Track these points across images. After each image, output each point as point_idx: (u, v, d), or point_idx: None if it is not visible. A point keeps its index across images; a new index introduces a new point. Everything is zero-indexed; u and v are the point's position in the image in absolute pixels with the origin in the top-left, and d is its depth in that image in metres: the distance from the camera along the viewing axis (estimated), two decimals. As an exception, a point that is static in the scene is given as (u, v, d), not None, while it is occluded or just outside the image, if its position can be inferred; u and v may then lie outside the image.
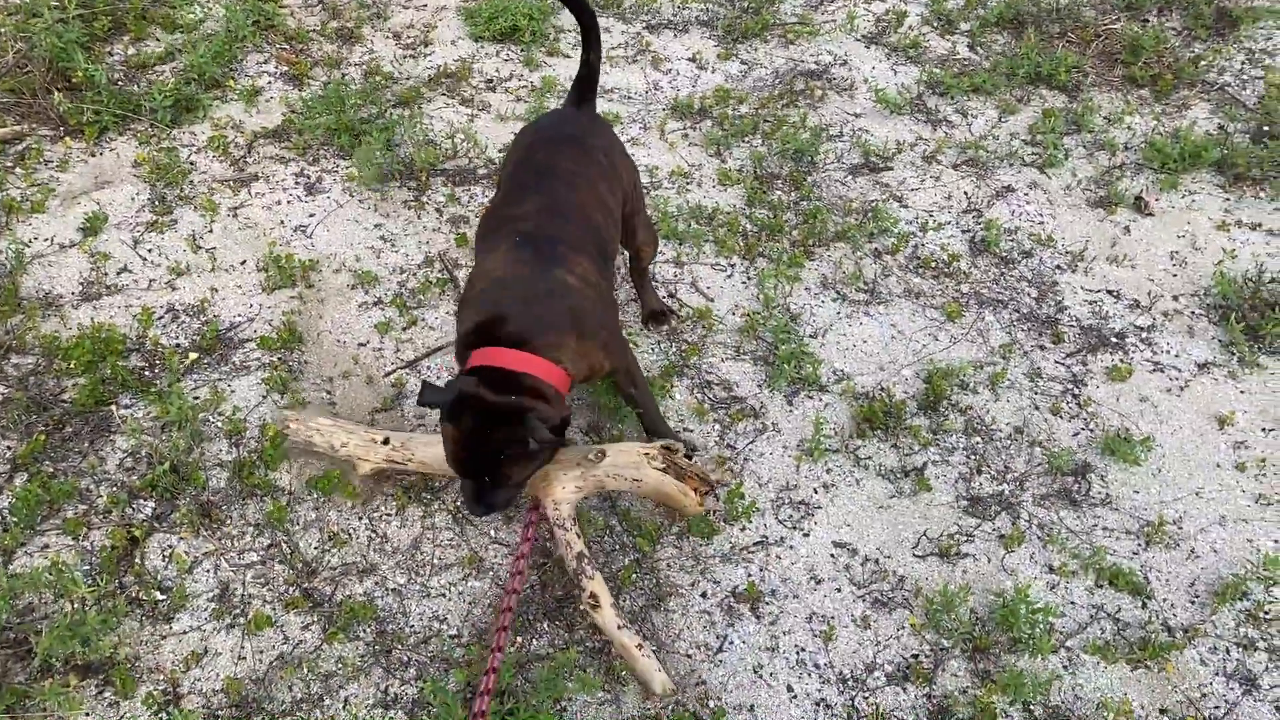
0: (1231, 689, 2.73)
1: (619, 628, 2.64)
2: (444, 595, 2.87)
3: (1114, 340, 3.67)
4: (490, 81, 4.82)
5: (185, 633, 2.73)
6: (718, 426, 3.33)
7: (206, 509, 2.99)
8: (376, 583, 2.87)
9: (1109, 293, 3.85)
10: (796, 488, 3.18)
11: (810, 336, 3.64)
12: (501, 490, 2.51)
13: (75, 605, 2.66)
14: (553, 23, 5.13)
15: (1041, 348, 3.65)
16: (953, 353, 3.61)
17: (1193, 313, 3.77)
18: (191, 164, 4.21)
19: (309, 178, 4.20)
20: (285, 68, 4.78)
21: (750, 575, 2.94)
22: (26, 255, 3.70)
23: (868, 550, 3.03)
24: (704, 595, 2.88)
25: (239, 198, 4.07)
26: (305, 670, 2.65)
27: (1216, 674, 2.76)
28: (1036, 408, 3.44)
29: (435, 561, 2.94)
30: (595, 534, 2.99)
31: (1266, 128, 4.52)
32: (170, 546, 2.91)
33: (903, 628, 2.84)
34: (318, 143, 4.34)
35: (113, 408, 3.24)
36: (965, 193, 4.27)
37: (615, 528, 3.03)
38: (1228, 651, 2.81)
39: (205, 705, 2.58)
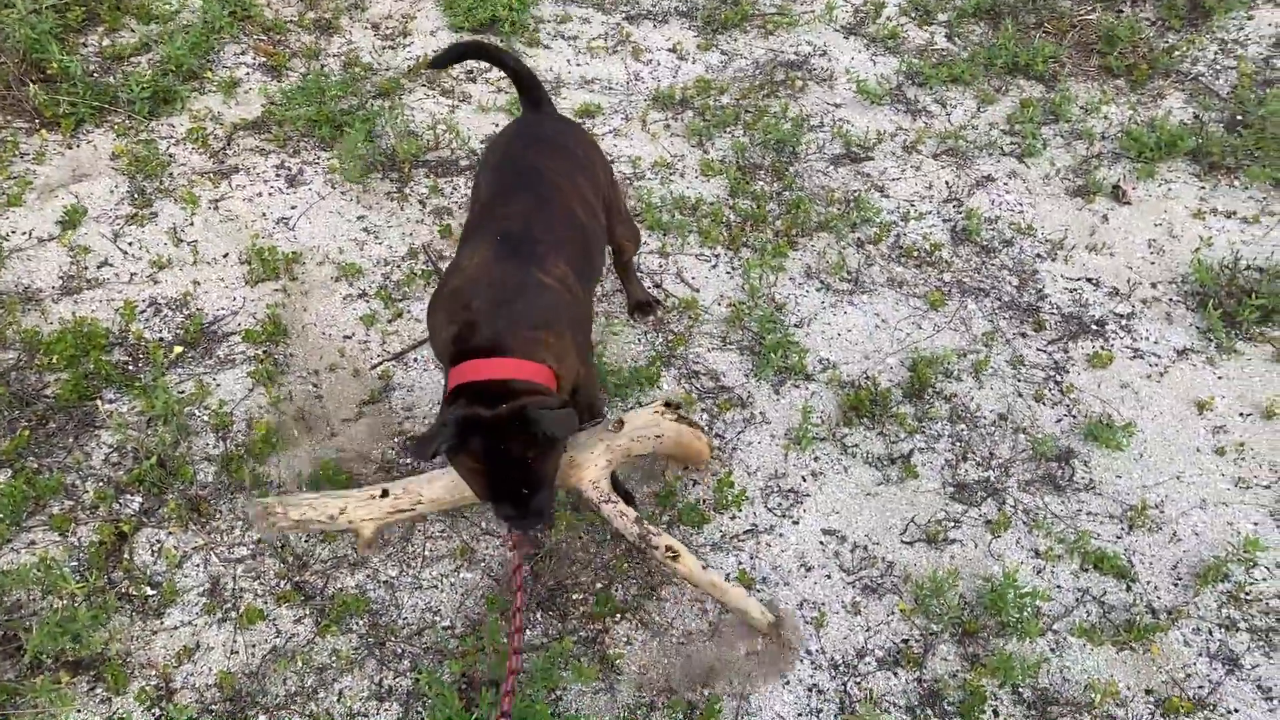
0: (1215, 669, 2.78)
1: (704, 568, 2.65)
2: (436, 587, 2.87)
3: (1094, 327, 3.72)
4: (470, 72, 4.80)
5: (176, 628, 2.72)
6: (706, 416, 3.35)
7: (195, 503, 2.98)
8: (368, 575, 2.87)
9: (1089, 280, 3.90)
10: (785, 476, 3.20)
11: (795, 326, 3.66)
12: (541, 494, 2.43)
13: (65, 601, 2.65)
14: (533, 13, 5.12)
15: (1023, 335, 3.69)
16: (936, 341, 3.64)
17: (1171, 300, 3.82)
18: (170, 156, 4.17)
19: (290, 169, 4.18)
20: (263, 59, 4.74)
21: (741, 563, 2.96)
22: (4, 249, 3.66)
23: (856, 537, 3.05)
24: (682, 584, 2.90)
25: (220, 190, 4.04)
26: (299, 663, 2.65)
27: (1200, 654, 2.81)
28: (1020, 394, 3.48)
29: (426, 554, 2.94)
30: (586, 526, 3.00)
31: (1240, 117, 4.58)
32: (159, 541, 2.90)
33: (892, 613, 2.87)
34: (298, 134, 4.32)
35: (97, 402, 3.21)
36: (946, 182, 4.31)
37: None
38: (1210, 632, 2.86)
39: (199, 700, 2.57)
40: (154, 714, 2.53)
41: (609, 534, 3.00)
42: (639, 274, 3.72)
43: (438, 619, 2.79)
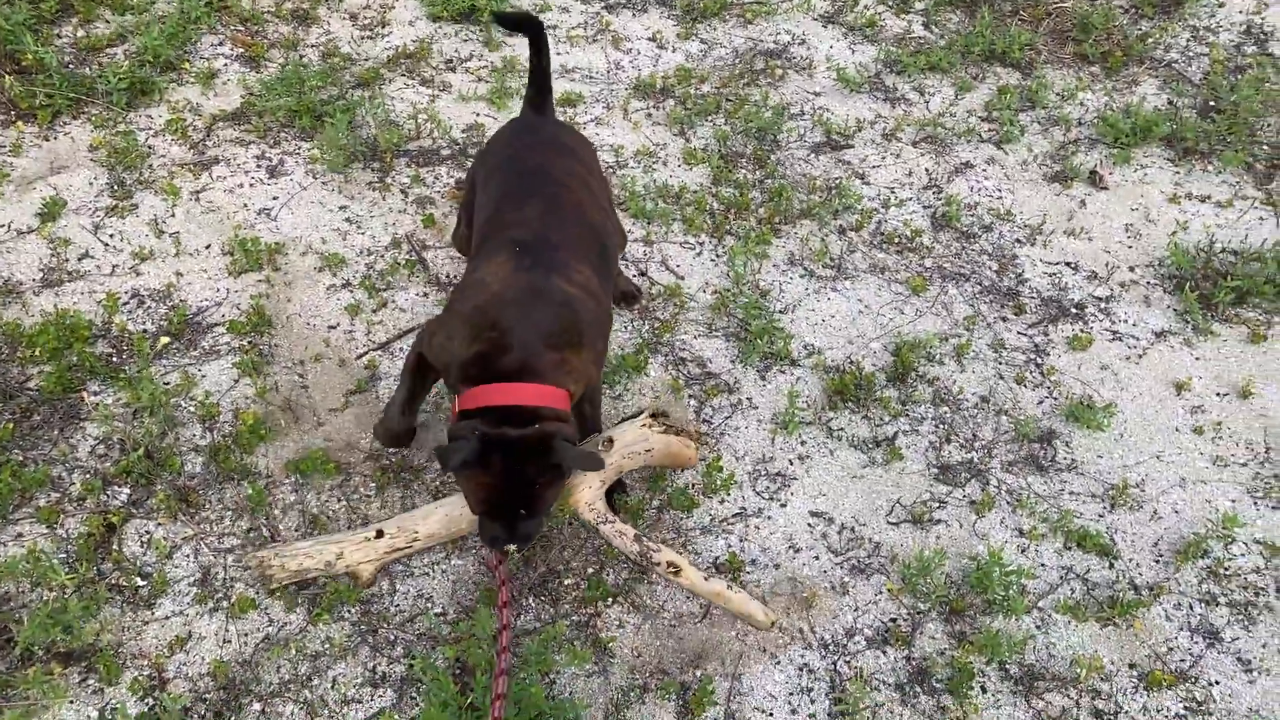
0: (1196, 643, 2.83)
1: (706, 579, 2.68)
2: (427, 574, 2.88)
3: (1074, 311, 3.77)
4: (450, 62, 4.79)
5: (168, 618, 2.71)
6: (694, 402, 3.37)
7: (184, 494, 2.96)
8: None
9: (1067, 265, 3.95)
10: (772, 460, 3.23)
11: (780, 312, 3.69)
12: (536, 519, 2.49)
13: (55, 593, 2.63)
14: (512, 2, 5.11)
15: (1004, 319, 3.73)
16: (918, 325, 3.68)
17: (1148, 283, 3.88)
18: (150, 148, 4.14)
19: (271, 160, 4.15)
20: (241, 50, 4.71)
21: (731, 546, 2.98)
22: (-17, 242, 3.63)
23: (844, 519, 3.09)
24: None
25: (200, 181, 4.02)
26: (293, 651, 2.65)
27: (1181, 629, 2.86)
28: (1001, 377, 3.52)
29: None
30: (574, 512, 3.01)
31: (1212, 103, 4.65)
32: (148, 532, 2.88)
33: (880, 593, 2.91)
34: (278, 125, 4.29)
35: (82, 394, 3.19)
36: (925, 169, 4.35)
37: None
38: (1191, 607, 2.91)
39: (192, 689, 2.57)
40: (147, 704, 2.52)
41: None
42: (623, 261, 3.73)
43: (430, 605, 2.79)
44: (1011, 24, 5.08)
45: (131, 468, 2.98)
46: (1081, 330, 3.69)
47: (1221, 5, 5.26)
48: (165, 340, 3.38)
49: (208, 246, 3.76)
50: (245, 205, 3.95)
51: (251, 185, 4.04)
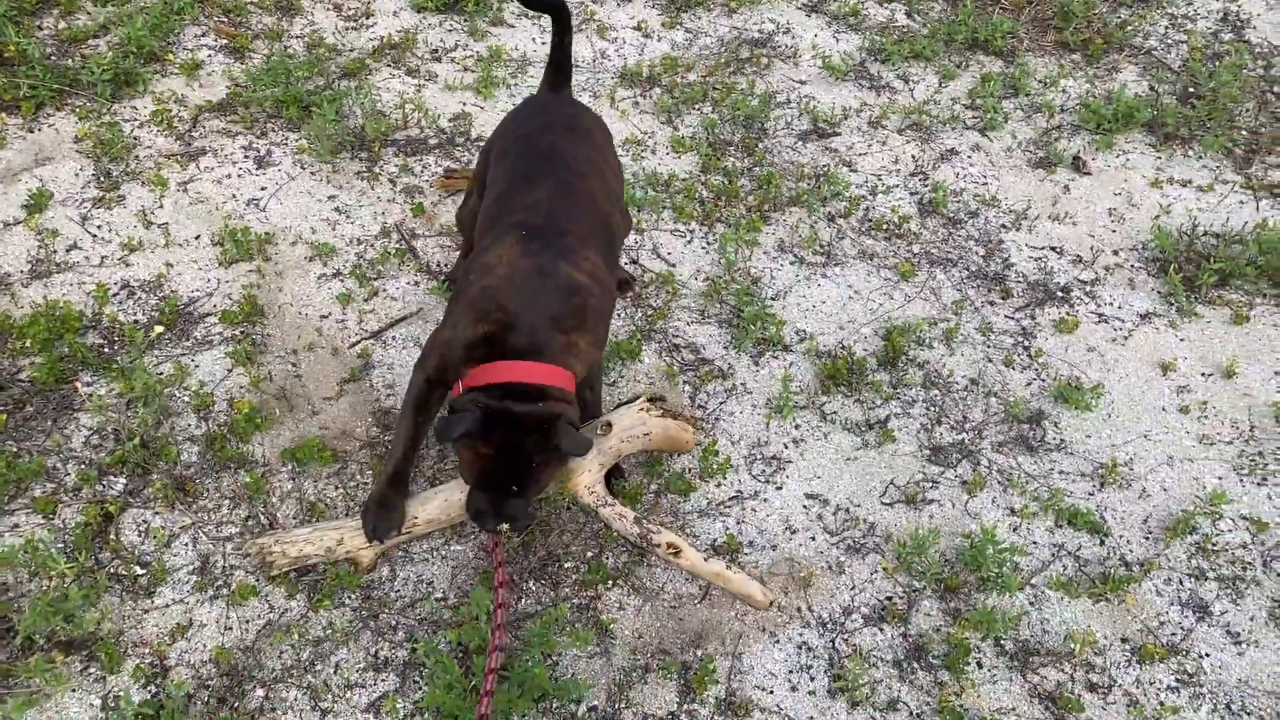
0: (1186, 617, 2.88)
1: (706, 560, 2.73)
2: (427, 560, 2.88)
3: (1060, 294, 3.81)
4: (435, 52, 4.78)
5: (168, 606, 2.71)
6: (689, 388, 3.39)
7: (180, 483, 2.96)
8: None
9: (1053, 249, 4.00)
10: (767, 444, 3.26)
11: (771, 298, 3.71)
12: (526, 500, 2.49)
13: (55, 582, 2.62)
14: (497, -7, 5.12)
15: (991, 303, 3.78)
16: (908, 310, 3.72)
17: (1133, 266, 3.93)
18: (135, 139, 4.11)
19: (258, 151, 4.14)
20: (225, 41, 4.69)
21: (728, 528, 3.01)
22: (-31, 234, 3.60)
23: (838, 500, 3.12)
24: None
25: (188, 172, 4.00)
26: (295, 637, 2.65)
27: (1172, 603, 2.91)
28: (990, 360, 3.56)
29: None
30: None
31: (1192, 89, 4.72)
32: (145, 521, 2.88)
33: (876, 572, 2.94)
34: (265, 115, 4.28)
35: (76, 385, 3.17)
36: (912, 156, 4.38)
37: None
38: (1181, 582, 2.96)
39: (195, 676, 2.56)
40: (150, 691, 2.52)
41: (597, 503, 3.03)
42: (615, 249, 3.75)
43: (430, 590, 2.80)
44: (993, 12, 5.12)
45: (127, 457, 2.98)
46: (1068, 313, 3.74)
47: (1199, -7, 5.33)
48: (158, 330, 3.36)
49: (197, 237, 3.75)
50: (234, 196, 3.94)
51: (239, 176, 4.02)
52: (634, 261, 3.81)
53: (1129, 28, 5.06)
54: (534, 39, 4.88)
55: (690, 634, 2.76)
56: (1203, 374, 3.55)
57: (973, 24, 4.95)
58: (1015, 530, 3.07)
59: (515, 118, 3.11)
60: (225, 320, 3.45)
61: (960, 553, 2.97)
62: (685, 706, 2.61)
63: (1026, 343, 3.63)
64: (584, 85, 4.61)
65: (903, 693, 2.68)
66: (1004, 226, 4.08)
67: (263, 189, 3.98)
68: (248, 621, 2.69)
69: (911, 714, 2.64)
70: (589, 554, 2.91)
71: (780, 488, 3.14)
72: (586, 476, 2.75)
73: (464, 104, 4.46)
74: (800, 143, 4.40)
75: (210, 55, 4.59)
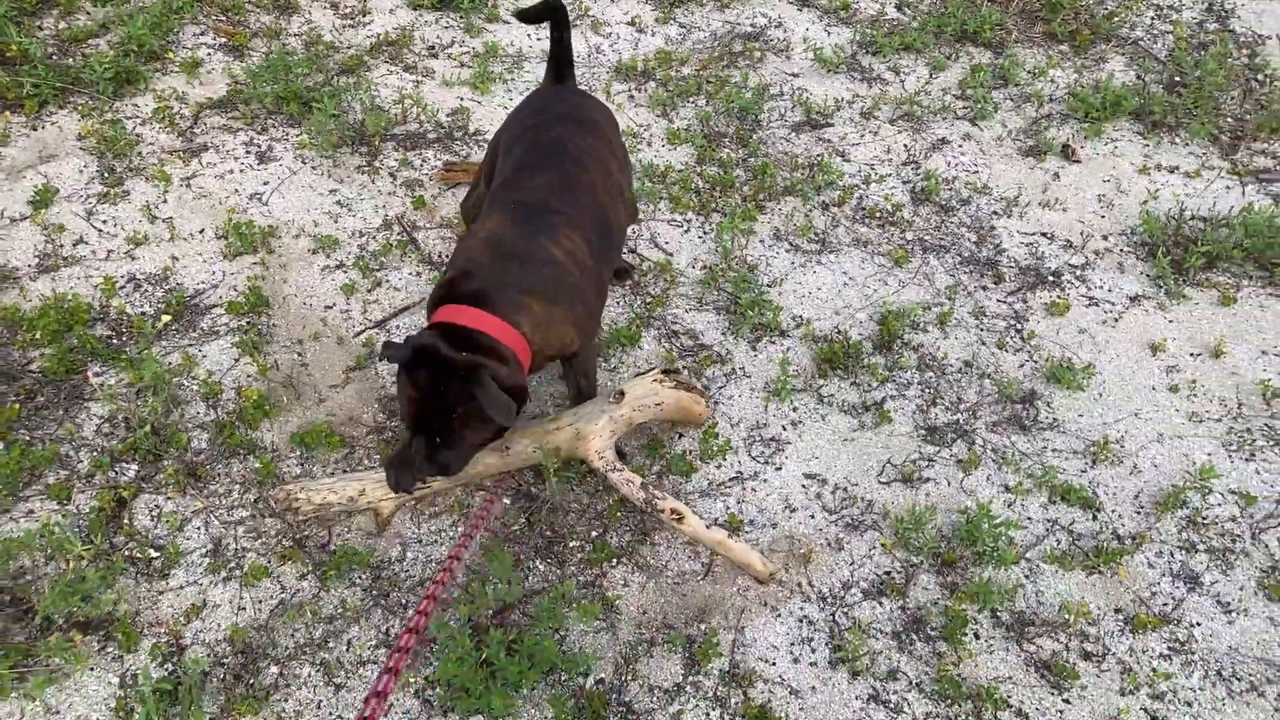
0: (1177, 587, 2.95)
1: (708, 528, 2.81)
2: (435, 541, 2.94)
3: (1051, 278, 3.89)
4: (432, 48, 4.84)
5: (182, 587, 2.76)
6: (687, 373, 3.45)
7: (191, 468, 3.01)
8: (369, 532, 2.93)
9: (1043, 235, 4.07)
10: (766, 426, 3.32)
11: (768, 285, 3.78)
12: (452, 451, 2.56)
13: (73, 564, 2.68)
14: (493, -10, 5.18)
15: (984, 288, 3.85)
16: (902, 296, 3.79)
17: (1122, 250, 4.01)
18: (138, 136, 4.17)
19: (259, 146, 4.19)
20: (224, 39, 4.74)
21: (729, 507, 3.07)
22: (-23, 229, 3.65)
23: (837, 479, 3.18)
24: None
25: (191, 168, 4.05)
26: (308, 615, 2.71)
27: (1163, 575, 2.98)
28: (983, 343, 3.63)
29: (425, 510, 3.01)
30: (577, 477, 3.08)
31: (1178, 78, 4.79)
32: (158, 506, 2.93)
33: (874, 548, 3.01)
34: (265, 112, 4.33)
35: (86, 375, 3.23)
36: (904, 145, 4.46)
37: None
38: (1172, 554, 3.03)
39: (210, 654, 2.62)
40: (167, 669, 2.57)
41: (601, 486, 3.09)
42: (614, 238, 3.81)
43: (439, 570, 2.86)
44: (982, 4, 5.20)
45: (138, 444, 3.03)
46: (1059, 297, 3.81)
47: (1184, -15, 5.41)
48: (166, 319, 3.42)
49: (201, 231, 3.80)
50: (236, 190, 3.99)
51: (242, 171, 4.08)
52: (632, 250, 3.87)
53: (1116, 19, 5.14)
54: (529, 34, 4.94)
55: (694, 609, 2.82)
56: (1191, 354, 3.62)
57: (962, 16, 5.02)
58: (1010, 506, 3.14)
59: (522, 111, 3.19)
60: (231, 311, 3.50)
61: (956, 528, 3.03)
62: (690, 678, 2.67)
63: (1019, 326, 3.70)
64: (580, 80, 4.67)
65: (902, 663, 2.74)
66: (995, 213, 4.15)
67: (265, 183, 4.03)
68: (260, 602, 2.75)
69: (911, 683, 2.70)
70: (594, 534, 2.97)
71: (779, 468, 3.20)
72: (597, 442, 2.84)
73: (461, 99, 4.52)
74: (794, 134, 4.47)
75: (210, 54, 4.65)
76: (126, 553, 2.80)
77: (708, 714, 2.60)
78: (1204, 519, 3.12)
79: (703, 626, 2.78)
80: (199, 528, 2.90)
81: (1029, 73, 4.84)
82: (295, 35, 4.82)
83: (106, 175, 3.96)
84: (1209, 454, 3.31)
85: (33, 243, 3.67)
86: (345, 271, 3.72)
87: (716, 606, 2.83)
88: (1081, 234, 4.07)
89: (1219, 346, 3.62)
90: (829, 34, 5.07)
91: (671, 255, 3.87)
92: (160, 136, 4.19)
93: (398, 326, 3.55)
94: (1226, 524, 3.12)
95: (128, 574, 2.76)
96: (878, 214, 4.11)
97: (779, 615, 2.83)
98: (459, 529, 2.95)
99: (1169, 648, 2.81)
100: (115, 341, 3.37)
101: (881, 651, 2.77)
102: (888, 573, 2.95)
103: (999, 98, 4.71)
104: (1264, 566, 3.01)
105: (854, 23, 5.15)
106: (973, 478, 3.21)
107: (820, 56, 4.83)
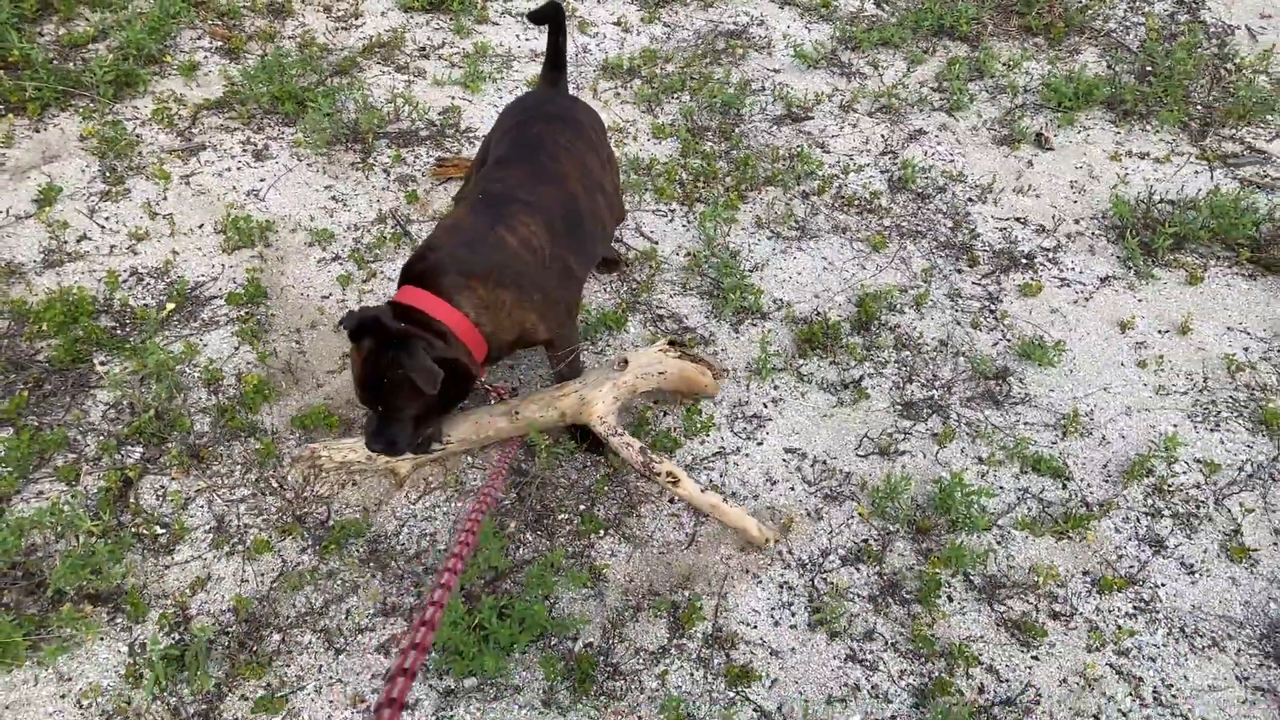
0: (1143, 551, 3.08)
1: (703, 491, 2.96)
2: (430, 517, 3.06)
3: (1024, 261, 4.01)
4: (423, 49, 4.97)
5: (187, 562, 2.88)
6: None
7: (194, 450, 3.13)
8: (367, 510, 3.05)
9: (1017, 220, 4.20)
10: (748, 404, 3.44)
11: (750, 271, 3.91)
12: (396, 425, 2.70)
13: (83, 540, 2.80)
14: (482, -8, 5.31)
15: (959, 271, 3.97)
16: (880, 279, 3.91)
17: (1093, 233, 4.14)
18: (138, 136, 4.29)
19: (256, 145, 4.32)
20: (220, 42, 4.87)
21: (713, 480, 3.19)
22: (-17, 227, 3.77)
23: (816, 453, 3.31)
24: (672, 500, 3.13)
25: (189, 166, 4.18)
26: (309, 585, 2.83)
27: (1129, 539, 3.10)
28: (958, 323, 3.76)
29: (419, 485, 3.13)
30: (568, 454, 3.20)
31: (1149, 68, 4.93)
32: (163, 486, 3.05)
33: (852, 517, 3.13)
34: (261, 111, 4.46)
35: (94, 361, 3.35)
36: (882, 136, 4.59)
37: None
38: (1138, 520, 3.16)
39: (216, 623, 2.74)
40: (174, 638, 2.69)
41: (589, 461, 3.21)
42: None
43: (435, 543, 2.98)
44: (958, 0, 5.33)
45: (143, 428, 3.15)
46: (1032, 278, 3.94)
47: (1155, -22, 5.55)
48: (170, 307, 3.54)
49: (201, 226, 3.92)
50: (234, 187, 4.11)
51: (239, 168, 4.20)
52: (619, 240, 4.00)
53: (1089, 11, 5.28)
54: (517, 35, 5.07)
55: (678, 576, 2.94)
56: (1159, 331, 3.75)
57: (939, 11, 5.16)
58: (983, 477, 3.26)
59: (511, 110, 3.34)
60: (231, 302, 3.62)
61: (931, 498, 3.16)
62: (675, 641, 2.79)
63: (993, 306, 3.83)
64: (567, 78, 4.79)
65: (878, 624, 2.86)
66: (970, 200, 4.28)
67: (261, 180, 4.16)
68: (263, 574, 2.87)
69: (886, 643, 2.82)
70: (582, 507, 3.09)
71: (761, 443, 3.32)
72: (600, 407, 2.99)
73: (452, 98, 4.65)
74: (775, 127, 4.60)
75: (206, 56, 4.78)
76: (134, 529, 2.92)
77: (691, 674, 2.72)
78: (1169, 486, 3.25)
79: (687, 593, 2.90)
80: (202, 506, 3.02)
81: (1004, 65, 4.97)
82: (289, 38, 4.95)
83: (108, 174, 4.08)
84: (1175, 425, 3.43)
85: (38, 239, 3.79)
86: (341, 263, 3.85)
87: (700, 574, 2.95)
88: (1054, 218, 4.20)
89: (1186, 323, 3.75)
90: (809, 31, 5.20)
91: (657, 243, 4.00)
92: (159, 136, 4.31)
93: (392, 315, 3.66)
94: (1191, 491, 3.24)
95: (135, 549, 2.88)
96: (856, 202, 4.24)
97: (760, 581, 2.95)
98: (466, 505, 3.07)
99: (1134, 607, 2.94)
100: (119, 332, 3.49)
101: (859, 614, 2.89)
102: (865, 540, 3.07)
103: (975, 89, 4.85)
104: (1226, 530, 3.13)
105: (834, 19, 5.29)
106: (947, 450, 3.34)
107: (801, 53, 4.97)
